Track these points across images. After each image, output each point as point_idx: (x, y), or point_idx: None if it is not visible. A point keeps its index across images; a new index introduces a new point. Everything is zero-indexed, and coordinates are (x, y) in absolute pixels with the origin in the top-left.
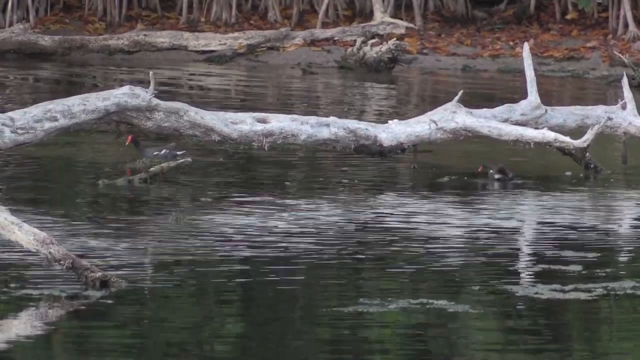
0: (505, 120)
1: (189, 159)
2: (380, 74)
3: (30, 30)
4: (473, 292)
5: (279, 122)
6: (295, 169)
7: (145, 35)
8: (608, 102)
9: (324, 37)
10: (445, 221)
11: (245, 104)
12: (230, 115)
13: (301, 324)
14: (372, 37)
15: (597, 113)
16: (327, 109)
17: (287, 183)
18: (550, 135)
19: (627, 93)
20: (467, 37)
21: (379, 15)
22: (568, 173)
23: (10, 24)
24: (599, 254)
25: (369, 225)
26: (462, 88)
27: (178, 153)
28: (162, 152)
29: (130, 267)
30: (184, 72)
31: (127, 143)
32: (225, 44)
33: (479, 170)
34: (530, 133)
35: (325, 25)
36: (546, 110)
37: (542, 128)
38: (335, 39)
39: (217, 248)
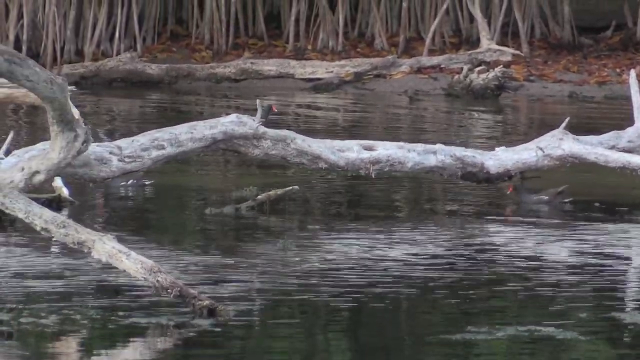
0: (612, 147)
1: (296, 187)
2: (487, 101)
3: (138, 59)
4: (581, 319)
5: (386, 150)
6: (400, 195)
7: (252, 63)
8: None
9: (430, 64)
10: (551, 247)
11: (352, 132)
12: (337, 143)
13: (409, 352)
14: (479, 65)
15: None
16: (434, 137)
17: (397, 208)
18: None
19: None
20: (574, 64)
21: (486, 43)
22: None
23: (118, 53)
24: None
25: (475, 252)
26: (569, 115)
27: (146, 183)
28: (130, 182)
29: (239, 295)
30: (291, 100)
31: None
32: (332, 71)
33: (509, 191)
34: (637, 160)
35: (431, 52)
36: None
37: None
38: (442, 66)
39: (323, 276)
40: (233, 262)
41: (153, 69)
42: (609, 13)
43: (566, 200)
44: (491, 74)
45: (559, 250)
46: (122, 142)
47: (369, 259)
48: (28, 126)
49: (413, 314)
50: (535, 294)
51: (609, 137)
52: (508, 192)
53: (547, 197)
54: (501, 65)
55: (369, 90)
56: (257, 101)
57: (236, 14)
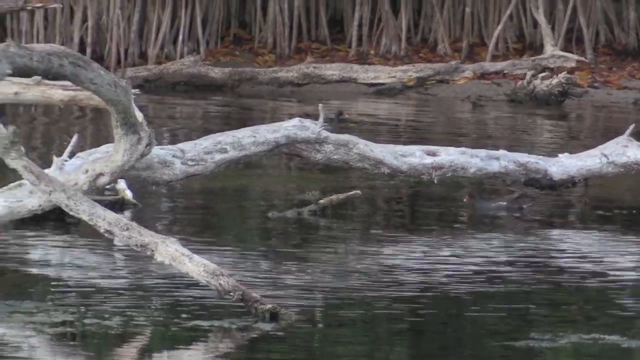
0: None
1: (359, 192)
2: (551, 108)
3: (201, 62)
4: None
5: (449, 155)
6: (461, 202)
7: (314, 67)
8: None
9: (493, 70)
10: (616, 255)
11: (415, 137)
12: (400, 148)
13: (472, 358)
14: (543, 71)
15: None
16: (496, 142)
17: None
18: None
19: None
20: (639, 71)
21: (550, 49)
22: None
23: (181, 56)
24: None
25: (538, 259)
26: (634, 122)
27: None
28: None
29: (301, 299)
30: (353, 104)
31: None
32: (394, 76)
33: (465, 200)
34: None
35: (495, 58)
36: None
37: None
38: (505, 72)
39: (384, 282)
40: (295, 266)
41: (216, 72)
42: None
43: (525, 205)
44: (555, 80)
45: (622, 257)
46: (185, 146)
47: (430, 265)
48: (92, 128)
49: (475, 320)
50: (600, 302)
51: None
52: (465, 201)
53: (505, 203)
54: (565, 72)
55: (431, 95)
56: (320, 105)
57: (299, 18)
